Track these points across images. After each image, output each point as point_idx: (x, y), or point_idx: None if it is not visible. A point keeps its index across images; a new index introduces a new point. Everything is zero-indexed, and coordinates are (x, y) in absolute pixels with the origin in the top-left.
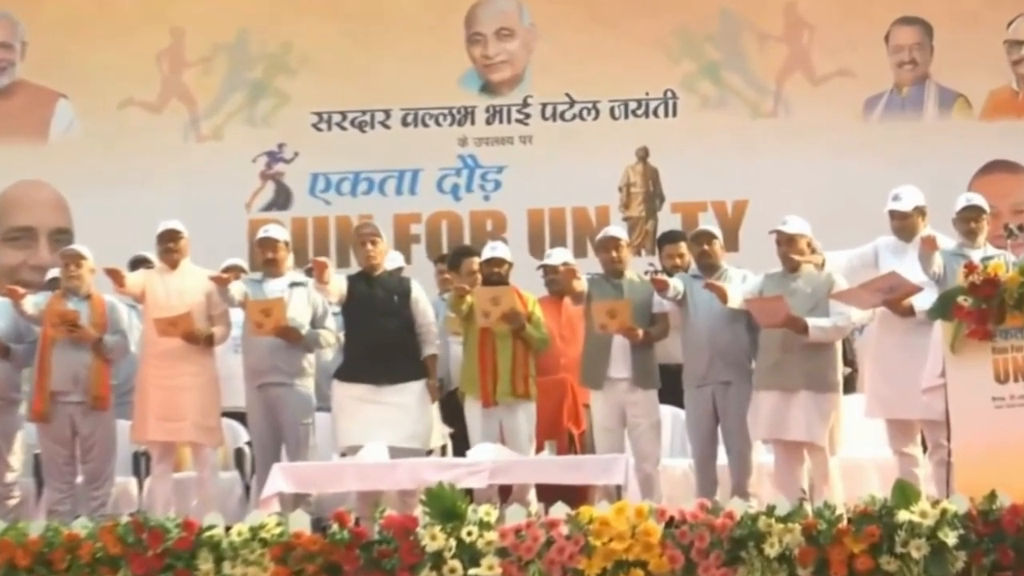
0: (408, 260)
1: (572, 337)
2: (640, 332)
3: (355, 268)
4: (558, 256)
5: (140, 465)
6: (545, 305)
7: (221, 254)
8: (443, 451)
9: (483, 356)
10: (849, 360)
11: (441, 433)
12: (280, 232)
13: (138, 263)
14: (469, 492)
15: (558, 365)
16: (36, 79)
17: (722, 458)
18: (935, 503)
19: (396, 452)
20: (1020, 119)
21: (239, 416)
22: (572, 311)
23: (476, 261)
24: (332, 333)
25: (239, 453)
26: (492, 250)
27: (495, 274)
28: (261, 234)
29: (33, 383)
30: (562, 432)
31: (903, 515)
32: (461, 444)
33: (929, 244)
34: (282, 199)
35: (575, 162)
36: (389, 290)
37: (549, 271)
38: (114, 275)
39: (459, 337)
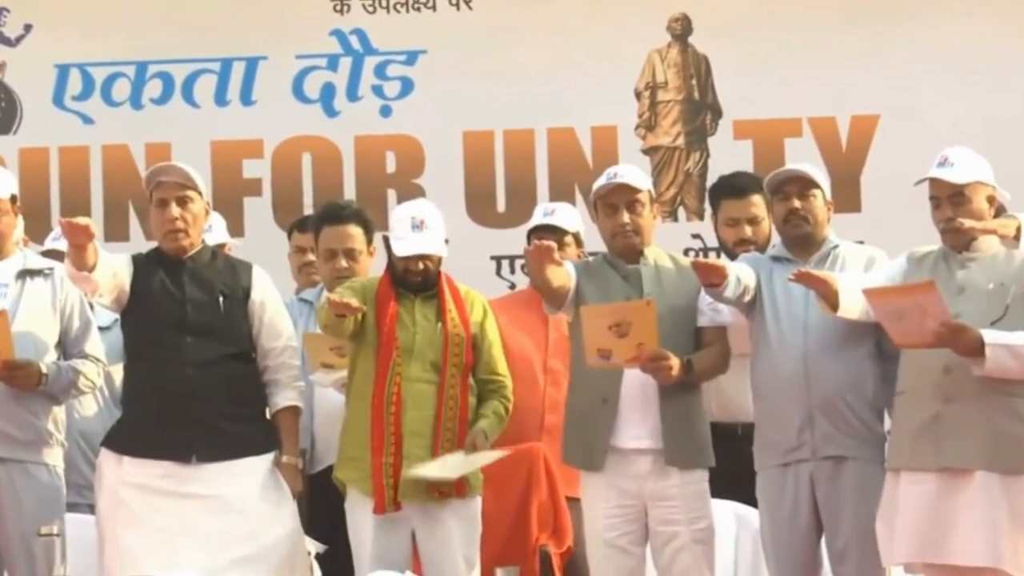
0: (240, 229)
1: (567, 372)
2: (675, 363)
3: (145, 244)
4: (564, 216)
5: None
6: (517, 310)
7: None
8: None
9: (378, 415)
10: None
11: (305, 553)
12: (2, 183)
13: None
14: None
15: (537, 425)
16: None
17: None
18: None
19: None
20: None
21: None
22: (566, 324)
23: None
24: (98, 365)
25: None
26: (545, 215)
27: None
28: None
29: None
30: (528, 551)
31: None
32: (339, 572)
33: None
34: (1, 113)
35: (549, 42)
36: (208, 285)
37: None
38: None
39: (334, 373)
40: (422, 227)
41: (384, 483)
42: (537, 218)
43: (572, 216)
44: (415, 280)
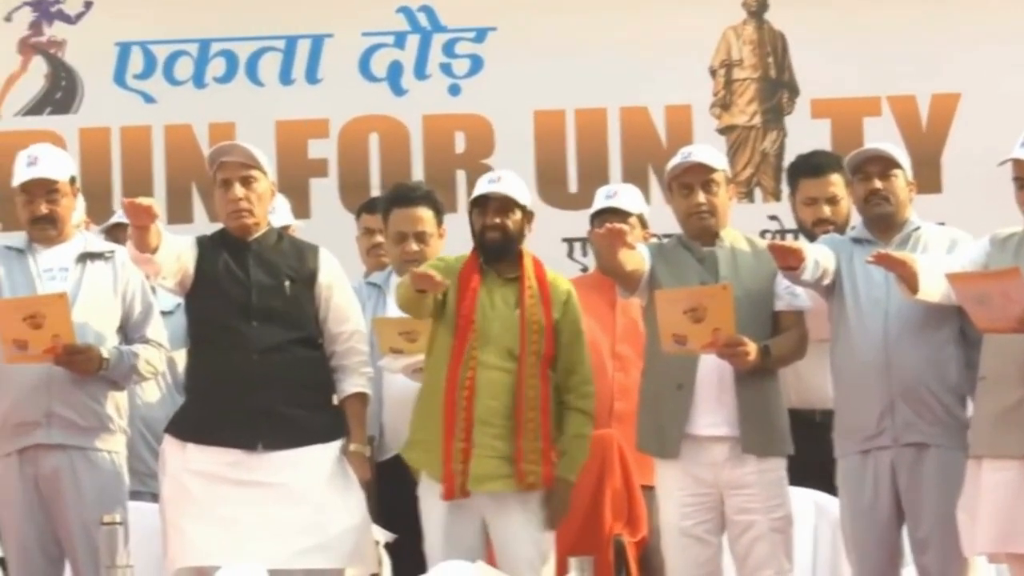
0: (306, 211)
1: (636, 358)
2: (751, 348)
3: (208, 227)
4: (627, 198)
5: None
6: (587, 294)
7: None
8: None
9: (451, 399)
10: None
11: (373, 542)
12: (58, 161)
13: None
14: None
15: (606, 411)
16: None
17: None
18: None
19: None
20: None
21: None
22: (636, 309)
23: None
24: (160, 350)
25: None
26: (608, 197)
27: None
28: (28, 174)
29: None
30: (603, 541)
31: None
32: (409, 561)
33: None
34: (61, 92)
35: (622, 18)
36: (274, 268)
37: (602, 225)
38: None
39: (404, 359)
40: (499, 180)
41: (454, 469)
42: (599, 201)
43: (635, 197)
44: (494, 240)
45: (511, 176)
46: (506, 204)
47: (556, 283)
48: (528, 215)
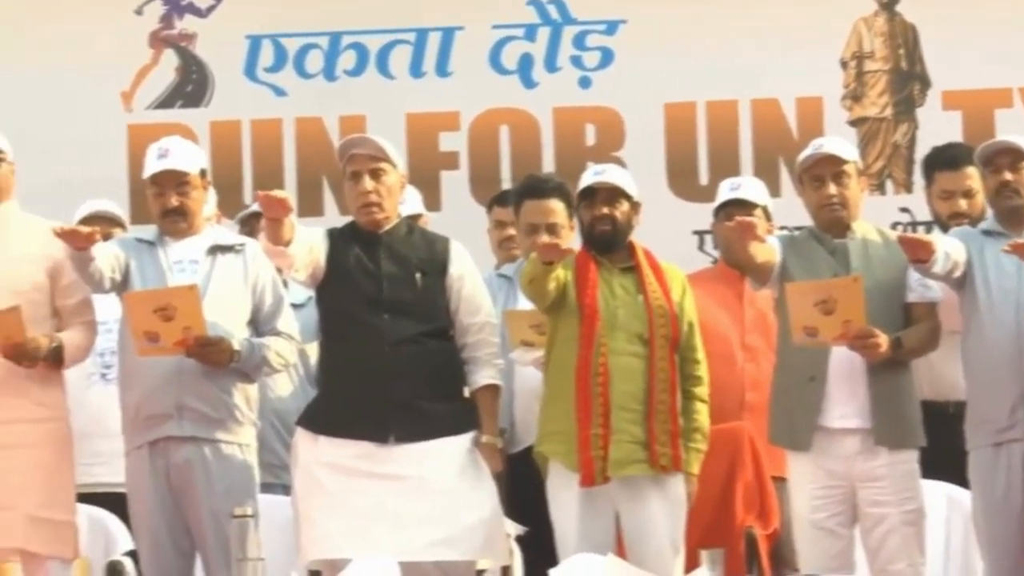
0: (437, 204)
1: (767, 349)
2: (883, 340)
3: (339, 219)
4: (751, 190)
5: None
6: (714, 286)
7: (77, 192)
8: (505, 574)
9: (584, 387)
10: None
11: (504, 535)
12: (189, 154)
13: None
14: None
15: (737, 403)
16: None
17: None
18: None
19: (417, 574)
20: None
21: (112, 501)
22: (764, 300)
23: (554, 203)
24: (291, 342)
25: (114, 571)
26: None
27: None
28: (158, 165)
29: None
30: (734, 533)
31: None
32: (541, 554)
33: None
34: (192, 86)
35: (753, 10)
36: (404, 260)
37: (728, 217)
38: None
39: (535, 351)
40: (604, 172)
41: (593, 455)
42: (724, 193)
43: (759, 189)
44: (604, 231)
45: (616, 168)
46: (613, 195)
47: (670, 270)
48: (635, 205)
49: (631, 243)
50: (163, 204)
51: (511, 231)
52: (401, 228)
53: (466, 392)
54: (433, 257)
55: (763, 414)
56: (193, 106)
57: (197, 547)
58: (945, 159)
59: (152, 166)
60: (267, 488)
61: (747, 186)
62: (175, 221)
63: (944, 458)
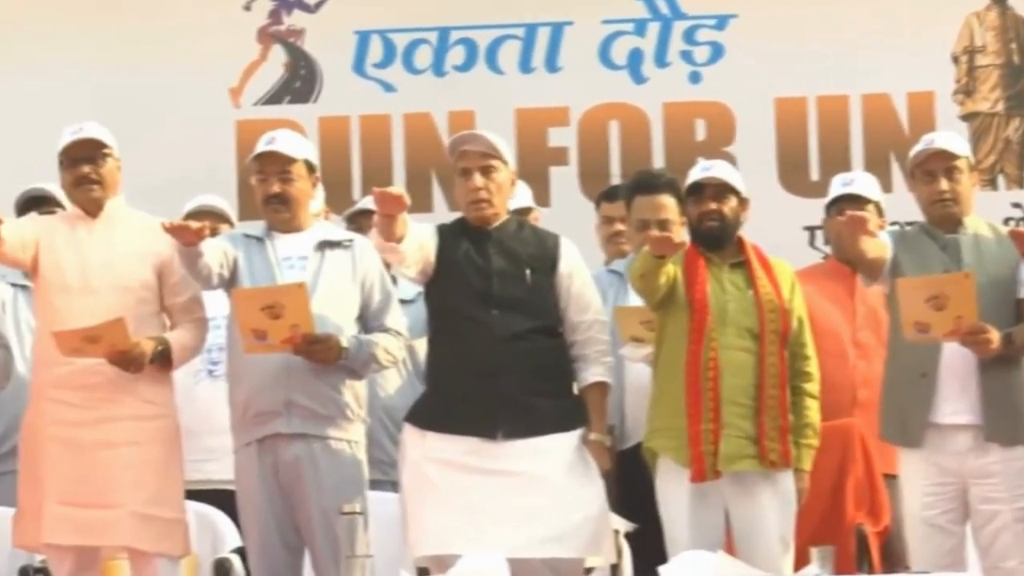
0: (546, 200)
1: (878, 346)
2: (994, 336)
3: (448, 215)
4: (864, 185)
5: None
6: (825, 282)
7: (185, 188)
8: (614, 571)
9: (694, 382)
10: None
11: (613, 532)
12: (296, 143)
13: (30, 205)
14: None
15: (849, 400)
16: None
17: None
18: None
19: (525, 570)
20: None
21: (220, 498)
22: (876, 296)
23: (665, 198)
24: (400, 339)
25: (222, 568)
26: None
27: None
28: (263, 148)
29: None
30: (844, 531)
31: None
32: (650, 551)
33: None
34: (301, 82)
35: (864, 5)
36: (514, 256)
37: (840, 213)
38: None
39: (645, 348)
40: (711, 167)
41: (703, 450)
42: (836, 189)
43: (872, 185)
44: (712, 227)
45: (723, 164)
46: (721, 190)
47: (780, 266)
48: (743, 201)
49: (740, 238)
50: (265, 190)
51: (620, 227)
52: (511, 224)
53: (575, 389)
54: (543, 253)
55: (875, 411)
56: (301, 102)
57: (306, 544)
58: None
59: (257, 149)
60: (376, 485)
61: (860, 181)
62: (276, 209)
63: None
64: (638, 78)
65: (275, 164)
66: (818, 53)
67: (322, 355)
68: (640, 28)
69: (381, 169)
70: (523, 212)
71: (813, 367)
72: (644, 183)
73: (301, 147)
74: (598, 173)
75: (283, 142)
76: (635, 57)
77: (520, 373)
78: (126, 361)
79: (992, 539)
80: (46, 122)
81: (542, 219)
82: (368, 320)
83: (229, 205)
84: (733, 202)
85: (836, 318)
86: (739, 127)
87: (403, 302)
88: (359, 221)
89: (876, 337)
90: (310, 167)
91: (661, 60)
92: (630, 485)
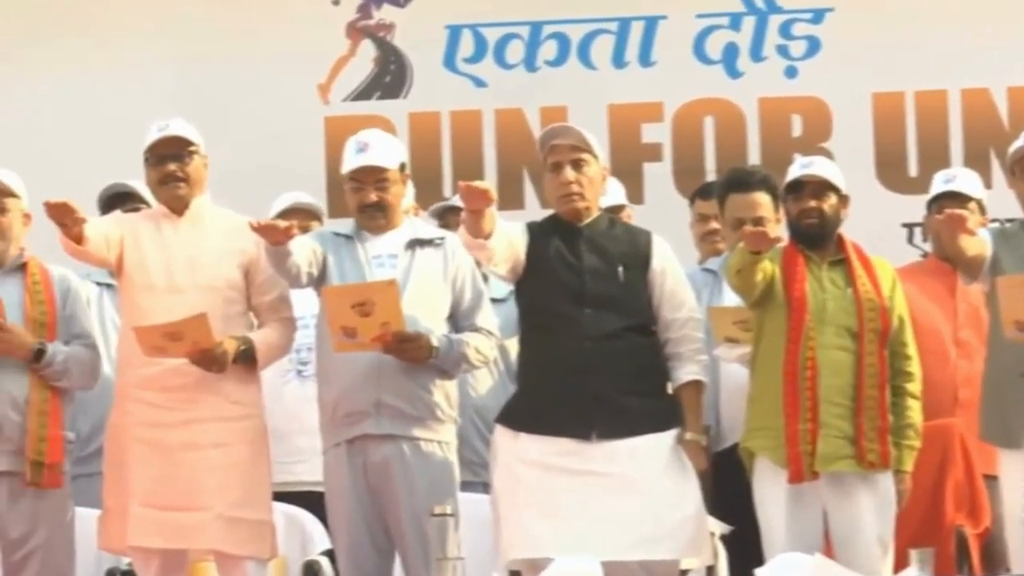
0: (639, 196)
1: (979, 345)
2: None
3: (540, 212)
4: (966, 182)
5: None
6: (925, 280)
7: (273, 185)
8: (710, 573)
9: (792, 381)
10: None
11: (709, 533)
12: (388, 148)
13: (114, 201)
14: None
15: (950, 400)
16: None
17: None
18: None
19: (620, 573)
20: None
21: (309, 500)
22: (977, 294)
23: (760, 196)
24: (491, 338)
25: (311, 570)
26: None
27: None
28: (353, 151)
29: None
30: (944, 532)
31: None
32: (746, 553)
33: None
34: (390, 77)
35: (960, 3)
36: (606, 253)
37: (941, 210)
38: (61, 214)
39: (739, 348)
40: (811, 164)
41: (801, 450)
42: (938, 186)
43: (974, 182)
44: (812, 225)
45: (824, 160)
46: (821, 188)
47: (880, 264)
48: (844, 199)
49: (840, 236)
50: (361, 199)
51: (714, 225)
52: (602, 221)
53: (669, 388)
54: (635, 251)
55: (976, 411)
56: (391, 98)
57: (396, 546)
58: None
59: (351, 161)
60: (467, 486)
61: (962, 178)
62: (373, 217)
63: None
64: (733, 73)
65: (371, 175)
66: (916, 47)
67: (412, 354)
68: (735, 22)
69: (472, 166)
70: (615, 210)
71: (915, 367)
72: (738, 180)
73: (395, 153)
74: (693, 170)
75: (376, 152)
76: (730, 51)
77: (613, 372)
78: (208, 360)
79: None
80: (131, 118)
81: (635, 217)
82: (459, 319)
83: (319, 202)
84: (833, 199)
85: (937, 317)
86: (836, 122)
87: (494, 301)
88: (446, 217)
89: (977, 336)
90: (402, 168)
91: (757, 54)
92: (726, 487)
